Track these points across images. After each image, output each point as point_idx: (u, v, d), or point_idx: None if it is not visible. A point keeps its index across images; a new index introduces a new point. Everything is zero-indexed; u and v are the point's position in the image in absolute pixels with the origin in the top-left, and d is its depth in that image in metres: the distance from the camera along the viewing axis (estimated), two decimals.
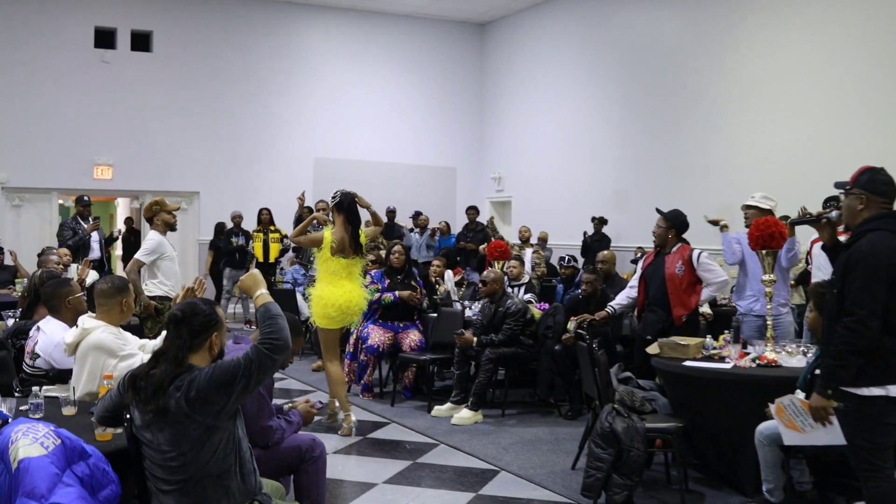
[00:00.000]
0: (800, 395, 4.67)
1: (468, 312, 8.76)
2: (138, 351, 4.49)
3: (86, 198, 11.72)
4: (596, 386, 5.65)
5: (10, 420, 3.41)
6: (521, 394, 8.63)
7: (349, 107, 16.73)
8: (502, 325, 7.81)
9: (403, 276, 8.77)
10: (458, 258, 13.82)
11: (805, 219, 5.55)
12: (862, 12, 10.58)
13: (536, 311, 8.38)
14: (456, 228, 15.53)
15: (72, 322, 4.70)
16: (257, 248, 13.25)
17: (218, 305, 3.47)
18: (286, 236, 12.75)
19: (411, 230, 14.55)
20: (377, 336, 8.47)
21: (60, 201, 15.22)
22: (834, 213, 4.69)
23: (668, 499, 5.55)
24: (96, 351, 4.35)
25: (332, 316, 7.08)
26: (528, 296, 9.05)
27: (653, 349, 6.00)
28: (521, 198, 16.90)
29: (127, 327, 4.98)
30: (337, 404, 7.28)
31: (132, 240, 15.76)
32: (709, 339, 6.05)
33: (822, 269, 7.30)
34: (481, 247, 13.32)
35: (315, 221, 7.94)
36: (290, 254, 13.03)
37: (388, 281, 8.71)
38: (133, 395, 3.23)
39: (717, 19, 12.59)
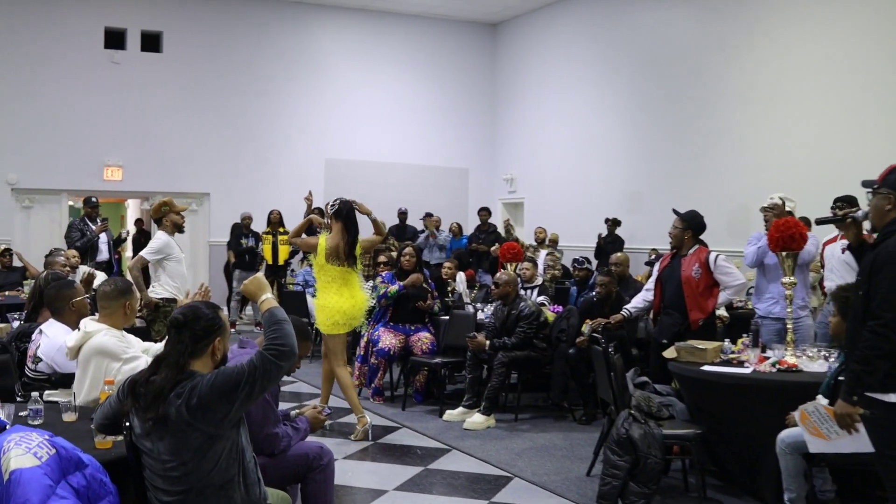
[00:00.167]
0: (822, 401, 4.53)
1: (480, 315, 8.65)
2: (142, 354, 4.38)
3: (94, 199, 11.65)
4: (612, 391, 5.53)
5: (7, 426, 3.29)
6: (535, 398, 8.53)
7: (360, 107, 16.63)
8: (515, 328, 7.71)
9: None
10: (471, 260, 13.72)
11: (830, 218, 5.41)
12: (878, 12, 10.42)
13: (550, 313, 8.27)
14: (468, 230, 15.42)
15: (75, 325, 4.59)
16: (266, 249, 13.18)
17: (221, 309, 3.36)
18: None
19: (421, 231, 14.45)
20: (388, 339, 8.37)
21: (71, 203, 15.16)
22: (860, 213, 4.54)
23: None
24: (99, 355, 4.24)
25: (338, 322, 7.08)
26: (541, 298, 8.92)
27: (670, 353, 5.89)
28: (533, 199, 16.77)
29: (134, 330, 4.88)
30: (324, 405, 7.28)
31: (142, 241, 15.68)
32: (727, 343, 5.93)
33: (834, 272, 7.18)
34: (493, 248, 13.21)
35: (315, 224, 7.89)
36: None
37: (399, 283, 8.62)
38: (132, 401, 3.13)
39: (731, 19, 12.44)
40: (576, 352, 7.52)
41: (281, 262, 13.27)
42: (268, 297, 3.38)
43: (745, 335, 6.19)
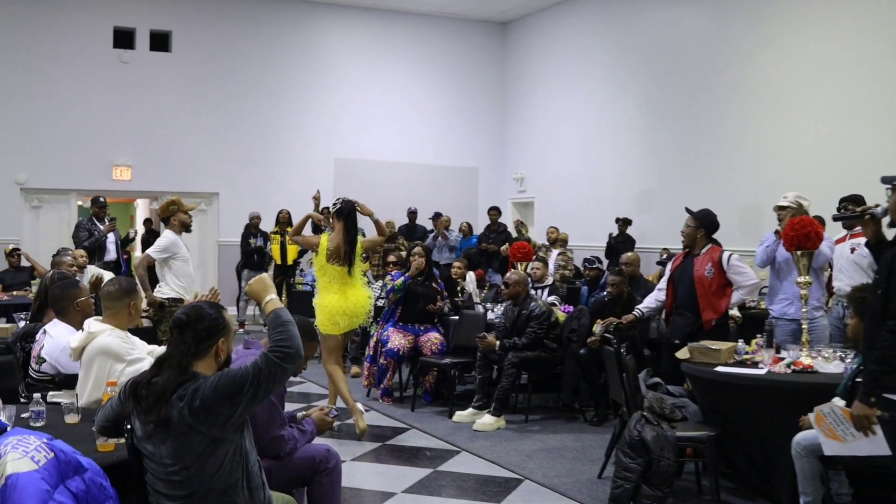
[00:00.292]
0: (839, 402, 4.43)
1: (490, 315, 8.58)
2: (146, 356, 4.32)
3: (101, 198, 11.63)
4: (624, 392, 5.46)
5: (8, 429, 3.23)
6: (545, 399, 8.45)
7: (369, 107, 16.58)
8: (525, 328, 7.64)
9: (424, 279, 8.60)
10: (481, 259, 13.64)
11: (847, 215, 5.32)
12: (890, 11, 10.30)
13: (560, 313, 8.19)
14: (478, 229, 15.33)
15: (80, 325, 4.53)
16: (275, 249, 13.15)
17: (225, 309, 3.29)
18: None
19: (431, 231, 14.38)
20: (397, 339, 8.30)
21: (80, 203, 15.14)
22: (879, 209, 4.46)
23: None
24: (102, 356, 4.19)
25: (339, 323, 7.07)
26: (552, 298, 8.84)
27: (682, 354, 5.80)
28: (543, 198, 16.68)
29: (140, 331, 4.82)
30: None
31: (151, 241, 15.61)
32: (741, 344, 5.84)
33: (843, 272, 7.07)
34: (503, 248, 13.13)
35: (314, 220, 7.88)
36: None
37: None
38: (134, 403, 3.06)
39: (742, 17, 12.32)
40: (587, 352, 7.44)
41: (290, 261, 13.23)
42: (272, 298, 3.31)
43: (758, 335, 6.10)
